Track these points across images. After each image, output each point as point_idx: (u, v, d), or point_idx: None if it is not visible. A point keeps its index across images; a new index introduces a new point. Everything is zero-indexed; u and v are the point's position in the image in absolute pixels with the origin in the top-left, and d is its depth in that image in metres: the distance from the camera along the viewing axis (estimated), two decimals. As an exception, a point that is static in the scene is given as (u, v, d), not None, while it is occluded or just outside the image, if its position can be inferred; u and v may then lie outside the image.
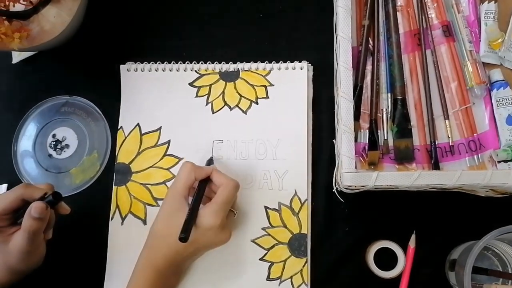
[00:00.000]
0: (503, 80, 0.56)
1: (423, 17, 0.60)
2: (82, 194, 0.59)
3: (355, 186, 0.49)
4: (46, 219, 0.49)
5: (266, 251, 0.56)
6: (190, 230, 0.47)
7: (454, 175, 0.47)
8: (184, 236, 0.46)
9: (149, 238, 0.52)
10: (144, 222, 0.57)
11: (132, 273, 0.51)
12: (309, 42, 0.63)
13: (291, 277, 0.55)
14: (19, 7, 0.57)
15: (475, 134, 0.56)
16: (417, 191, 0.54)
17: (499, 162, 0.54)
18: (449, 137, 0.56)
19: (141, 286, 0.49)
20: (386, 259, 0.55)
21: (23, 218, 0.48)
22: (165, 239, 0.50)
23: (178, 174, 0.52)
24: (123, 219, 0.58)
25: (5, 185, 0.60)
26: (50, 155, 0.61)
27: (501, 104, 0.56)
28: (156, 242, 0.51)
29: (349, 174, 0.48)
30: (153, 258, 0.51)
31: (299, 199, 0.57)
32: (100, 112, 0.62)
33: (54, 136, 0.62)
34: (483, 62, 0.58)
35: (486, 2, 0.58)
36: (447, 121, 0.57)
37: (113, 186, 0.59)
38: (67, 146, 0.61)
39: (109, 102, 0.62)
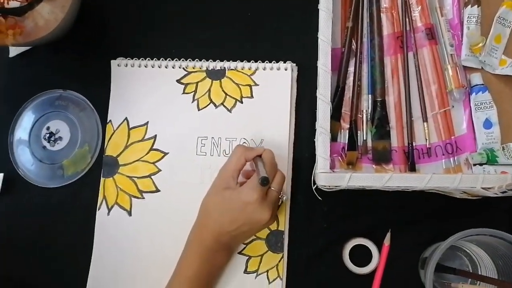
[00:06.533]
0: (482, 85, 0.57)
1: (407, 19, 0.60)
2: (73, 185, 0.62)
3: (329, 186, 0.50)
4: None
5: (245, 245, 0.58)
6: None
7: (424, 178, 0.48)
8: (263, 177, 0.49)
9: (200, 211, 0.55)
10: (129, 213, 0.60)
11: (185, 244, 0.55)
12: (295, 42, 0.64)
13: (267, 271, 0.57)
14: (14, 4, 0.59)
15: (452, 137, 0.57)
16: (395, 191, 0.55)
17: (474, 165, 0.55)
18: (426, 139, 0.57)
19: (190, 258, 0.54)
20: (361, 256, 0.57)
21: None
22: (211, 215, 0.53)
23: (229, 157, 0.55)
24: (109, 209, 0.60)
25: (1, 175, 0.63)
26: (44, 147, 0.63)
27: (479, 108, 0.56)
28: (204, 216, 0.55)
29: (323, 175, 0.49)
30: (201, 233, 0.54)
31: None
32: (92, 107, 0.64)
33: (48, 128, 0.64)
34: (464, 66, 0.58)
35: (470, 5, 0.58)
36: (425, 123, 0.58)
37: (101, 178, 0.61)
38: (60, 138, 0.64)
39: (101, 96, 0.64)
